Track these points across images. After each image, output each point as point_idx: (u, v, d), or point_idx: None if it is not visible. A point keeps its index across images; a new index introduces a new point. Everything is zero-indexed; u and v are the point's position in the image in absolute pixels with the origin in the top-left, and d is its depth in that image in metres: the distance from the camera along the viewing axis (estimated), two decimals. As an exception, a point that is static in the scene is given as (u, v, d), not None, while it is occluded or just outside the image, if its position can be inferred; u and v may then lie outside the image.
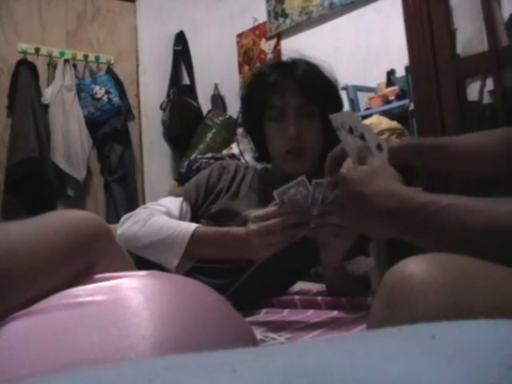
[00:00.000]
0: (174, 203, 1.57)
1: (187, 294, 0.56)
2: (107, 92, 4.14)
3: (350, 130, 1.01)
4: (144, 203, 4.44)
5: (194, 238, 1.36)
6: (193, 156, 4.17)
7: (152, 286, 0.55)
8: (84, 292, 0.57)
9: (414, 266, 0.57)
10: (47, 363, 0.47)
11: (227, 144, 4.17)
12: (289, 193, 1.10)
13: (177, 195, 1.61)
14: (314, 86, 1.53)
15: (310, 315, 1.30)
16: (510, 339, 0.29)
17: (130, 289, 0.54)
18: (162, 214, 1.50)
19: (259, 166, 1.75)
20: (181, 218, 1.54)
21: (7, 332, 0.52)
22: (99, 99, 4.12)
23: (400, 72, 3.40)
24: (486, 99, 2.71)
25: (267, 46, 4.51)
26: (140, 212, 1.52)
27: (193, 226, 1.39)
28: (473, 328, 0.31)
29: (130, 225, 1.48)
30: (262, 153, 1.67)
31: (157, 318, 0.50)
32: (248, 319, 1.27)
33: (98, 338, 0.49)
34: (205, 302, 0.56)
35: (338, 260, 1.30)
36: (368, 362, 0.27)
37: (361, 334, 0.35)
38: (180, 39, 4.74)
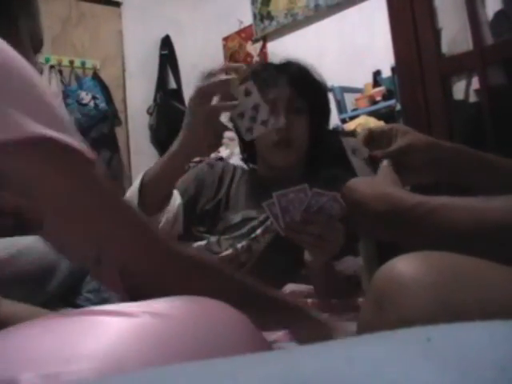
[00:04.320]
0: None
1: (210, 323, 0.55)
2: (93, 97, 4.13)
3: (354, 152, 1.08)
4: (133, 208, 4.42)
5: (145, 181, 1.36)
6: (181, 160, 4.16)
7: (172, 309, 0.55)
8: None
9: (404, 265, 0.57)
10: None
11: (215, 147, 4.17)
12: (288, 197, 1.12)
13: None
14: (305, 80, 1.56)
15: (301, 317, 1.30)
16: (505, 340, 0.29)
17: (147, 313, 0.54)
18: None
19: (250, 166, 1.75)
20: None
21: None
22: (85, 105, 4.10)
23: (386, 72, 3.42)
24: (472, 98, 2.73)
25: (253, 48, 4.51)
26: None
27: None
28: (468, 330, 0.32)
29: None
30: (249, 152, 1.68)
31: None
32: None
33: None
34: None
35: (318, 265, 1.31)
36: (365, 366, 0.27)
37: (357, 339, 0.36)
38: (166, 43, 4.74)
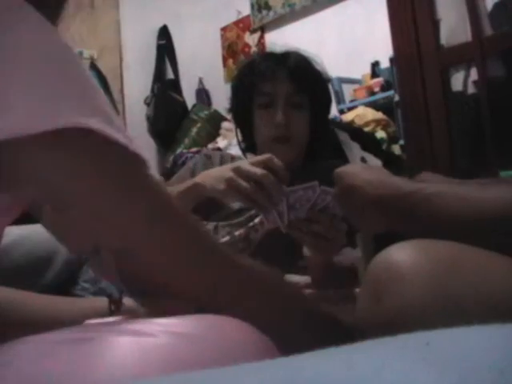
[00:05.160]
0: None
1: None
2: (91, 87, 4.12)
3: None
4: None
5: None
6: (178, 151, 4.16)
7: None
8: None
9: (400, 253, 0.57)
10: None
11: (212, 138, 4.16)
12: (297, 194, 1.11)
13: None
14: (305, 75, 1.55)
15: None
16: (503, 344, 0.29)
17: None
18: None
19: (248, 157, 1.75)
20: None
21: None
22: (83, 95, 4.09)
23: (384, 63, 3.41)
24: (471, 89, 2.73)
25: (251, 39, 4.50)
26: None
27: None
28: (466, 333, 0.32)
29: None
30: (248, 143, 1.67)
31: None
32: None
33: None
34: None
35: (318, 261, 1.30)
36: (365, 371, 0.27)
37: (357, 344, 0.36)
38: (163, 33, 4.72)
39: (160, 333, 0.49)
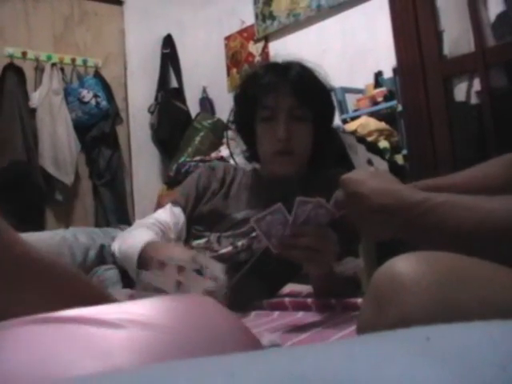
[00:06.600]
0: (162, 212, 1.59)
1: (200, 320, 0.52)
2: (95, 95, 4.13)
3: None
4: (133, 207, 4.45)
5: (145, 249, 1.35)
6: (181, 159, 4.16)
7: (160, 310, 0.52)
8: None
9: (403, 264, 0.57)
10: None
11: (216, 147, 4.16)
12: (265, 220, 1.08)
13: (164, 206, 1.63)
14: (307, 88, 1.53)
15: (300, 317, 1.30)
16: (504, 340, 0.29)
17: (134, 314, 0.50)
18: (143, 226, 1.50)
19: (249, 166, 1.75)
20: (174, 221, 1.56)
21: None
22: (87, 103, 4.10)
23: (387, 73, 3.41)
24: (474, 100, 2.72)
25: (255, 48, 4.51)
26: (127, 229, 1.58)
27: (145, 240, 1.39)
28: (467, 329, 0.32)
29: (116, 242, 1.52)
30: (252, 153, 1.67)
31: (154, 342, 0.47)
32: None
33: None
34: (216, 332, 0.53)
35: (319, 274, 1.28)
36: (365, 365, 0.27)
37: (357, 338, 0.36)
38: (168, 42, 4.74)
39: (128, 323, 0.47)
